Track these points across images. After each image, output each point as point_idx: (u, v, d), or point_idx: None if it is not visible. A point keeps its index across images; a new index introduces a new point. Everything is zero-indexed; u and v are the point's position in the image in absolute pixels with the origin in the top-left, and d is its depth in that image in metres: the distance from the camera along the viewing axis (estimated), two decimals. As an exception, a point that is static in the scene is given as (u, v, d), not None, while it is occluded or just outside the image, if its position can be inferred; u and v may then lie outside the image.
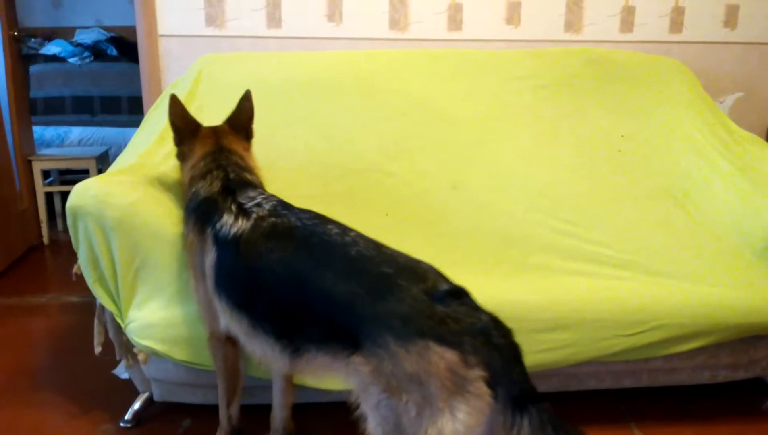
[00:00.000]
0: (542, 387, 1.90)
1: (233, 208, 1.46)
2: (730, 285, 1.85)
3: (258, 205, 1.46)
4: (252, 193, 1.51)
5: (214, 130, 1.70)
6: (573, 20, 2.69)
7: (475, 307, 1.21)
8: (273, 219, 1.41)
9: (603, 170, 2.25)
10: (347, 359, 1.21)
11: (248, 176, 1.59)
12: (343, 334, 1.22)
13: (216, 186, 1.54)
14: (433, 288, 1.20)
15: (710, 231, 2.06)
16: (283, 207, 1.45)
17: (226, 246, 1.42)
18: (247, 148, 1.73)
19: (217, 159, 1.61)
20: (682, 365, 1.92)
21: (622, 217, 2.09)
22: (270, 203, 1.46)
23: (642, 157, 2.26)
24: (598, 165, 2.26)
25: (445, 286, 1.22)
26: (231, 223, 1.43)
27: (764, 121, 2.90)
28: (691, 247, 1.98)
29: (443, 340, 1.12)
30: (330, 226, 1.37)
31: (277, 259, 1.35)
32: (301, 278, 1.30)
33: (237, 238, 1.40)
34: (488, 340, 1.15)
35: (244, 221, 1.42)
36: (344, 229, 1.36)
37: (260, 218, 1.41)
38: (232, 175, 1.57)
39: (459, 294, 1.22)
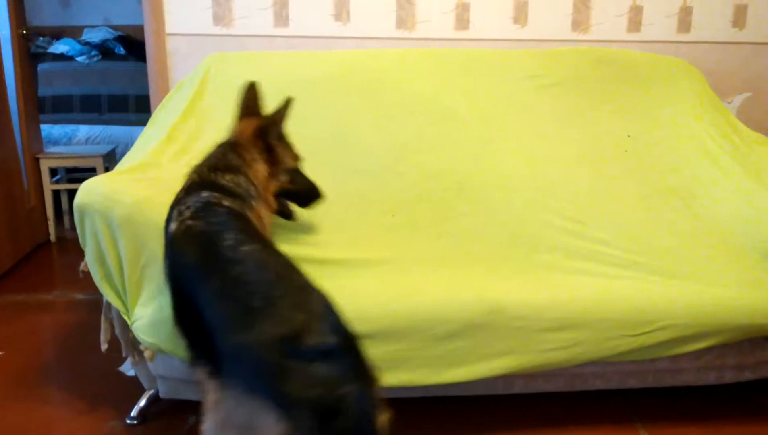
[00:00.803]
0: (547, 387, 1.93)
1: (175, 210, 1.41)
2: (736, 285, 1.84)
3: (188, 207, 1.39)
4: (203, 194, 1.44)
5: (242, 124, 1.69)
6: (580, 20, 2.69)
7: (345, 372, 1.03)
8: (190, 222, 1.34)
9: (610, 170, 2.25)
10: (211, 377, 1.17)
11: (218, 177, 1.52)
12: (214, 354, 1.15)
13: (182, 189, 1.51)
14: (297, 337, 1.04)
15: (717, 231, 2.05)
16: (204, 209, 1.38)
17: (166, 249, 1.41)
18: (254, 146, 1.68)
19: (211, 156, 1.62)
20: (688, 366, 1.91)
21: (629, 217, 2.08)
22: (198, 204, 1.39)
23: (649, 157, 2.26)
24: (605, 165, 2.26)
25: (315, 339, 1.06)
26: (170, 227, 1.39)
27: (772, 121, 2.89)
28: (698, 248, 1.98)
29: (281, 406, 0.98)
30: (227, 236, 1.28)
31: (183, 265, 1.31)
32: (190, 289, 1.25)
33: (170, 242, 1.37)
34: (332, 420, 0.98)
35: (175, 224, 1.37)
36: (240, 241, 1.27)
37: (182, 221, 1.36)
38: (195, 178, 1.53)
39: (333, 352, 1.05)
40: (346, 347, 1.09)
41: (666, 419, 1.95)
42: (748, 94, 2.78)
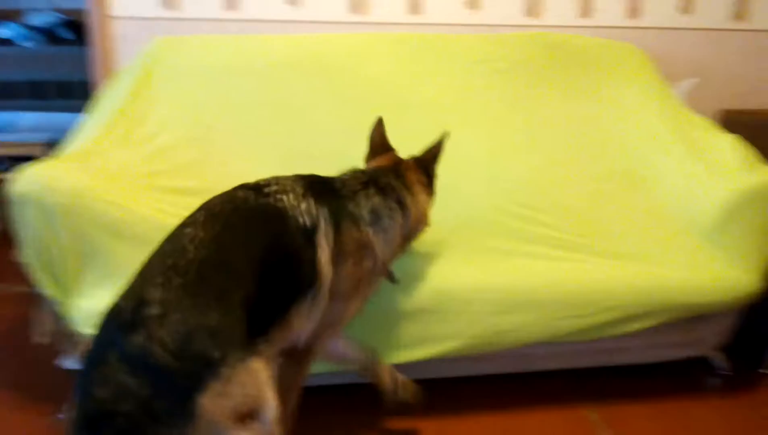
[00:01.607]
0: (493, 368, 1.95)
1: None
2: (679, 266, 1.90)
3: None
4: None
5: (394, 159, 1.72)
6: (533, 5, 2.69)
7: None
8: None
9: (560, 154, 2.28)
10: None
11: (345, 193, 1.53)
12: None
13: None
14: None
15: (662, 213, 2.10)
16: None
17: None
18: (416, 180, 1.69)
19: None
20: (632, 345, 1.96)
21: (578, 200, 2.12)
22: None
23: (598, 140, 2.29)
24: (555, 149, 2.29)
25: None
26: None
27: (719, 106, 2.94)
28: (643, 229, 2.03)
29: None
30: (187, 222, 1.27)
31: None
32: None
33: None
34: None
35: None
36: (187, 222, 1.26)
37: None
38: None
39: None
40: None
41: (612, 397, 2.00)
42: (696, 80, 2.82)
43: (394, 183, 1.59)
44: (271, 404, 1.08)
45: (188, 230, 1.20)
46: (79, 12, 4.33)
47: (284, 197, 1.37)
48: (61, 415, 1.82)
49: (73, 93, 4.27)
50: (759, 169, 1.98)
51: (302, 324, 1.38)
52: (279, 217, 1.33)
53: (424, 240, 1.93)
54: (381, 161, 1.70)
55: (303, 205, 1.38)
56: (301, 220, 1.35)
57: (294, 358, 1.47)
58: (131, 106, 2.10)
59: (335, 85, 2.28)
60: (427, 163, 1.74)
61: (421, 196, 1.66)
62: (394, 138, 2.21)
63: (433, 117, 2.28)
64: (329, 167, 2.11)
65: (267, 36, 2.41)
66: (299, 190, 1.41)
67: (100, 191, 1.65)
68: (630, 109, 2.38)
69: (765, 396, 2.09)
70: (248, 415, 1.02)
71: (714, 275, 1.90)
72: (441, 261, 1.85)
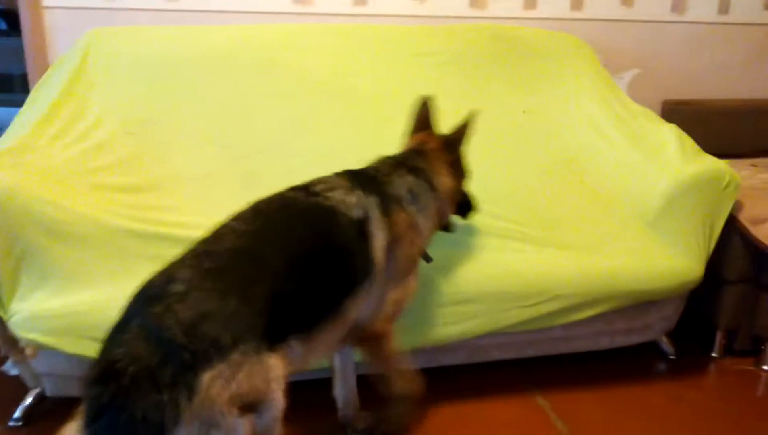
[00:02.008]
0: (447, 360, 1.95)
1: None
2: (623, 254, 1.93)
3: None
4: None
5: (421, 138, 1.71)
6: (478, -4, 2.70)
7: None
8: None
9: (506, 145, 2.28)
10: None
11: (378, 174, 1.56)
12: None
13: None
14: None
15: (606, 203, 2.13)
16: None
17: None
18: (442, 161, 1.67)
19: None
20: (580, 333, 1.99)
21: (524, 191, 2.13)
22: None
23: (542, 132, 2.31)
24: (501, 140, 2.29)
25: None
26: None
27: (660, 96, 3.01)
28: (588, 219, 2.05)
29: None
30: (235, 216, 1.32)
31: None
32: None
33: None
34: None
35: None
36: (235, 216, 1.31)
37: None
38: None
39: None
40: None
41: (562, 385, 2.02)
42: (637, 71, 2.88)
43: (421, 164, 1.61)
44: (276, 402, 1.09)
45: (232, 223, 1.26)
46: (12, 1, 4.16)
47: (332, 194, 1.39)
48: (11, 422, 1.75)
49: (14, 86, 4.09)
50: (697, 159, 2.03)
51: (360, 312, 1.41)
52: (328, 214, 1.36)
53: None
54: (409, 143, 1.72)
55: (353, 199, 1.41)
56: (351, 213, 1.38)
57: (369, 344, 1.53)
58: (66, 100, 2.01)
59: (277, 77, 2.23)
60: (453, 143, 1.71)
61: (447, 178, 1.66)
62: (338, 131, 2.20)
63: (378, 110, 2.27)
64: (269, 162, 2.08)
65: (207, 27, 2.34)
66: (345, 184, 1.44)
67: (34, 189, 1.58)
68: (573, 100, 2.41)
69: (712, 379, 2.16)
70: (249, 407, 1.04)
71: (658, 263, 1.95)
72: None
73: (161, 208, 1.87)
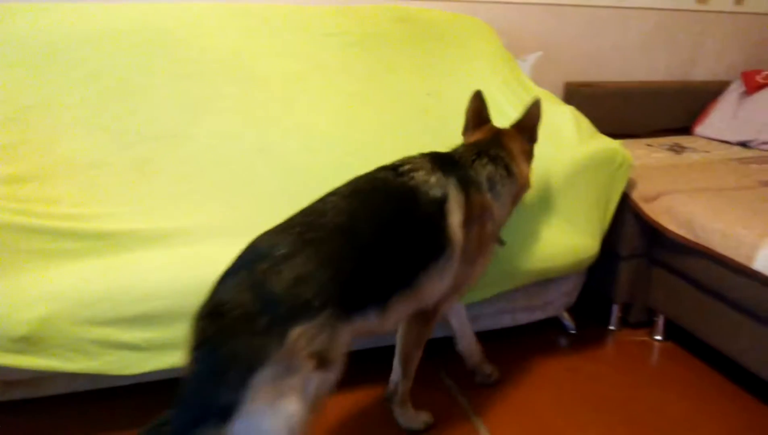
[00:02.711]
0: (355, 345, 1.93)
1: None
2: (522, 233, 1.97)
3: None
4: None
5: (494, 130, 1.80)
6: (383, -23, 2.67)
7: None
8: None
9: (411, 129, 2.27)
10: None
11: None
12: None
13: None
14: None
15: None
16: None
17: None
18: (519, 149, 1.77)
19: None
20: (484, 312, 2.03)
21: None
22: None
23: (447, 115, 2.27)
24: (406, 124, 2.28)
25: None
26: None
27: (562, 77, 3.10)
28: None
29: None
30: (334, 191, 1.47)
31: None
32: None
33: None
34: None
35: None
36: (333, 191, 1.47)
37: None
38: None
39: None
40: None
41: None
42: (540, 53, 2.94)
43: (500, 153, 1.70)
44: (340, 365, 1.26)
45: (332, 198, 1.40)
46: None
47: (416, 175, 1.51)
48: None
49: None
50: (592, 140, 2.10)
51: (433, 287, 1.51)
52: (411, 193, 1.48)
53: (275, 221, 1.88)
54: (480, 135, 1.78)
55: (433, 179, 1.52)
56: (432, 192, 1.49)
57: (419, 319, 1.62)
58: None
59: (174, 58, 2.13)
60: (529, 130, 1.81)
61: (524, 164, 1.78)
62: (239, 114, 2.13)
63: (282, 93, 2.21)
64: (165, 148, 1.99)
65: (95, 4, 2.19)
66: (428, 165, 1.55)
67: None
68: (476, 82, 2.40)
69: (609, 350, 2.26)
70: (319, 364, 1.18)
71: (556, 241, 2.00)
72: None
73: (46, 199, 1.76)
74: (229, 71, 2.19)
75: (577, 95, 3.05)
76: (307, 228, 1.29)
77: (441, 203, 1.50)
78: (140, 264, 1.64)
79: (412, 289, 1.45)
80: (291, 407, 1.14)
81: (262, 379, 1.10)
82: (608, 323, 2.38)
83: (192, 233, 1.77)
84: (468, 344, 1.98)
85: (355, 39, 2.40)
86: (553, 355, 2.19)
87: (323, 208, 1.36)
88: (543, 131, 2.15)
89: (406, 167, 1.53)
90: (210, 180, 1.95)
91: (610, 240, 2.19)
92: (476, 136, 1.78)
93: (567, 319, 2.36)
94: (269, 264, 1.19)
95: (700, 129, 3.16)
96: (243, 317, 1.12)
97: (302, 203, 1.92)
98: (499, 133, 1.78)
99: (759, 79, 3.09)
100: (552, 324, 2.33)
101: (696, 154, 2.75)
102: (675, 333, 2.28)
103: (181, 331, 1.58)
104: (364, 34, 2.42)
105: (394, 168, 1.53)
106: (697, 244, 2.01)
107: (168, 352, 1.63)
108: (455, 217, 1.52)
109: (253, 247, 1.26)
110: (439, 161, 1.58)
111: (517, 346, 2.18)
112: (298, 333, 1.14)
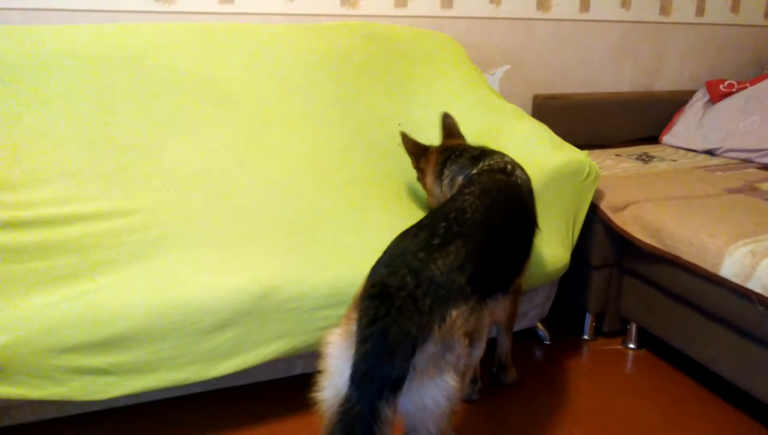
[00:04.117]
0: (264, 375, 1.89)
1: None
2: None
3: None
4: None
5: (443, 144, 2.05)
6: (350, -5, 2.69)
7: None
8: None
9: (385, 147, 2.26)
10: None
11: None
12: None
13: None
14: None
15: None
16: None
17: None
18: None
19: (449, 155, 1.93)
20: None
21: (401, 191, 2.15)
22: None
23: (414, 131, 2.29)
24: (379, 143, 2.28)
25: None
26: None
27: (530, 90, 3.14)
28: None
29: None
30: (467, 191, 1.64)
31: None
32: None
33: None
34: None
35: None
36: (467, 191, 1.62)
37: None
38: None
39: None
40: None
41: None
42: (507, 67, 2.98)
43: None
44: (484, 343, 1.41)
45: (468, 198, 1.55)
46: None
47: (517, 172, 1.76)
48: None
49: None
50: (560, 151, 2.12)
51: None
52: (520, 190, 1.73)
53: (251, 234, 1.86)
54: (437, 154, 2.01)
55: (526, 175, 1.79)
56: (529, 187, 1.78)
57: (514, 298, 1.88)
58: None
59: (143, 78, 2.10)
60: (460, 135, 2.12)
61: None
62: (208, 133, 2.11)
63: (256, 114, 2.20)
64: (144, 158, 1.97)
65: (62, 26, 2.17)
66: (515, 162, 1.80)
67: None
68: (444, 99, 2.41)
69: (583, 360, 2.27)
70: (470, 342, 1.30)
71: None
72: (266, 257, 1.78)
73: (15, 207, 1.72)
74: (198, 91, 2.16)
75: (546, 108, 3.09)
76: (454, 222, 1.42)
77: (532, 194, 1.78)
78: (107, 285, 1.60)
79: (522, 273, 1.72)
80: (450, 381, 1.24)
81: (425, 355, 1.20)
82: (582, 333, 2.39)
83: (164, 246, 1.74)
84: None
85: (324, 58, 2.39)
86: (528, 367, 2.19)
87: (463, 207, 1.50)
88: (510, 145, 2.19)
89: (509, 168, 1.75)
90: (192, 189, 1.93)
91: (581, 250, 2.22)
92: (433, 158, 1.99)
93: (541, 330, 2.37)
94: (427, 253, 1.31)
95: (668, 138, 3.22)
96: (410, 299, 1.22)
97: (281, 216, 1.93)
98: (452, 145, 2.00)
99: (722, 88, 3.16)
100: (527, 335, 2.34)
101: (663, 163, 2.80)
102: (648, 341, 2.30)
103: (150, 355, 1.59)
104: (334, 53, 2.41)
105: (502, 170, 1.74)
106: (665, 252, 2.04)
107: (137, 377, 1.60)
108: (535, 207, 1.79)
109: (401, 241, 1.38)
110: (513, 162, 1.81)
111: (491, 359, 2.17)
112: (456, 313, 1.25)
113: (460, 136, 2.09)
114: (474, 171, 1.78)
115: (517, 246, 1.65)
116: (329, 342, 1.27)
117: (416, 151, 2.06)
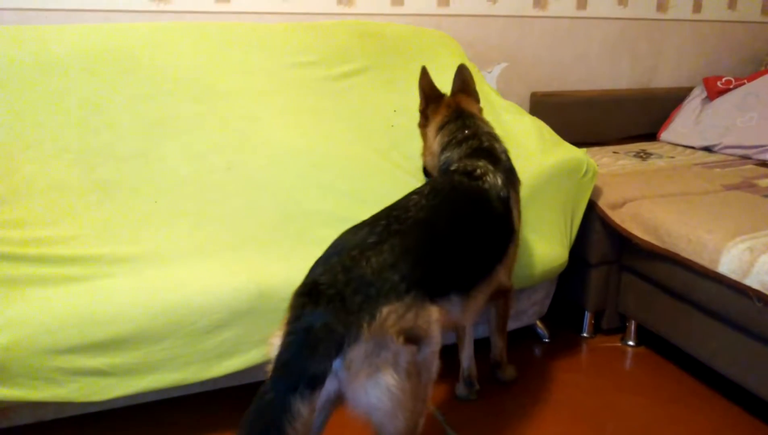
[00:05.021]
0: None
1: None
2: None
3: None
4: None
5: (455, 98, 1.96)
6: (346, -7, 2.68)
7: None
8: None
9: (379, 144, 2.26)
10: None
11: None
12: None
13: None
14: None
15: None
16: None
17: None
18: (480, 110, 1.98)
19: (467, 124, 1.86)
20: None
21: (399, 189, 2.13)
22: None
23: (413, 129, 2.30)
24: (374, 139, 2.27)
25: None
26: None
27: (528, 88, 3.13)
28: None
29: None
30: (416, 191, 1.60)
31: None
32: None
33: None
34: None
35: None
36: (415, 191, 1.60)
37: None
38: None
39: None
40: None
41: (440, 375, 2.04)
42: (505, 64, 2.98)
43: (493, 131, 1.91)
44: (434, 340, 1.35)
45: (414, 197, 1.53)
46: None
47: (487, 178, 1.69)
48: None
49: None
50: (558, 149, 2.12)
51: (505, 273, 1.75)
52: (485, 194, 1.66)
53: (243, 238, 1.86)
54: (446, 111, 1.92)
55: (499, 181, 1.71)
56: (501, 193, 1.69)
57: (499, 296, 1.83)
58: None
59: (136, 79, 2.10)
60: (474, 93, 2.02)
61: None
62: (204, 133, 2.11)
63: (247, 111, 2.19)
64: (132, 168, 1.97)
65: (55, 26, 2.16)
66: (491, 168, 1.72)
67: None
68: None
69: (582, 357, 2.27)
70: (414, 340, 1.27)
71: (524, 252, 2.01)
72: (260, 259, 1.78)
73: (4, 224, 1.72)
74: (191, 91, 2.16)
75: (543, 105, 3.08)
76: (394, 220, 1.42)
77: (506, 201, 1.71)
78: (105, 287, 1.60)
79: (491, 278, 1.66)
80: (389, 380, 1.23)
81: (359, 354, 1.19)
82: (582, 331, 2.39)
83: (157, 254, 1.74)
84: (469, 354, 2.04)
85: (320, 56, 2.38)
86: (527, 365, 2.19)
87: (407, 205, 1.49)
88: (510, 144, 2.19)
89: (478, 172, 1.69)
90: (179, 198, 1.92)
91: (580, 248, 2.22)
92: (442, 112, 1.92)
93: (540, 328, 2.37)
94: (360, 251, 1.30)
95: (665, 135, 3.22)
96: (338, 296, 1.21)
97: (271, 218, 1.94)
98: (462, 108, 1.91)
99: (720, 84, 3.16)
100: (526, 334, 2.34)
101: (661, 160, 2.80)
102: (647, 338, 2.30)
103: (148, 355, 1.59)
104: (330, 51, 2.40)
105: (467, 172, 1.69)
106: (663, 249, 2.04)
107: (136, 377, 1.60)
108: (515, 212, 1.76)
109: (343, 238, 1.39)
110: (491, 160, 1.75)
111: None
112: (387, 311, 1.23)
113: (474, 93, 1.99)
114: (453, 167, 1.75)
115: (474, 249, 1.59)
116: (271, 344, 1.25)
117: (430, 93, 1.96)
